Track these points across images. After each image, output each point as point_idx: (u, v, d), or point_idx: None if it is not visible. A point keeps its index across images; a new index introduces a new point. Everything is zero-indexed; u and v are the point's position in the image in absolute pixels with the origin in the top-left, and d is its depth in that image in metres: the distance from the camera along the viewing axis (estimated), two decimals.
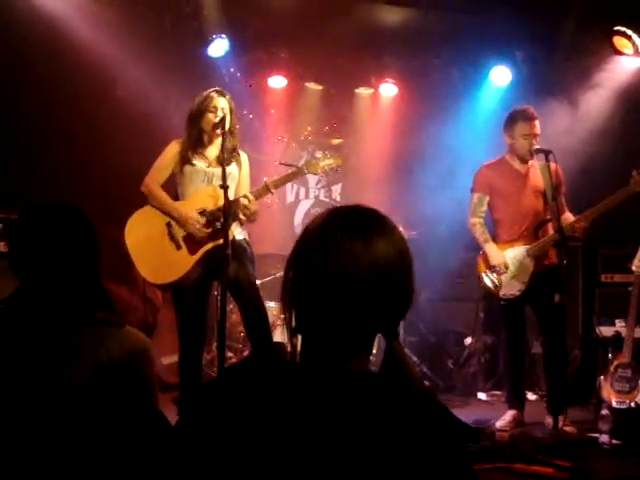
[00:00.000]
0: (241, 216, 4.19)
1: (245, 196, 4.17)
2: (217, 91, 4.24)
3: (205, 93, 4.23)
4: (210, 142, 4.26)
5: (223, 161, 4.00)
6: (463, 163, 5.39)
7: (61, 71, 5.80)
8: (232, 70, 6.53)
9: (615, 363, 4.76)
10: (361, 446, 1.12)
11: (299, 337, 1.29)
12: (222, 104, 4.19)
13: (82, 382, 1.69)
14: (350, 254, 1.24)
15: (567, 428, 4.37)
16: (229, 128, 4.21)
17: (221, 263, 3.85)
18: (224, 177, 3.92)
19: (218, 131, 4.11)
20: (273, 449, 1.13)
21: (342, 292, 1.23)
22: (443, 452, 1.14)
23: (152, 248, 4.17)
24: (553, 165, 4.60)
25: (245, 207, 4.15)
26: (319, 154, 4.56)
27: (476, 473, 1.18)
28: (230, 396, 1.21)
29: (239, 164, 4.35)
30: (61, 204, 1.87)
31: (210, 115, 4.18)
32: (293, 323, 1.29)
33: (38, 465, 1.63)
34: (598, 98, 6.66)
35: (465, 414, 4.87)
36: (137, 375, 1.78)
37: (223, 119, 4.10)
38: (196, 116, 4.24)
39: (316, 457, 1.12)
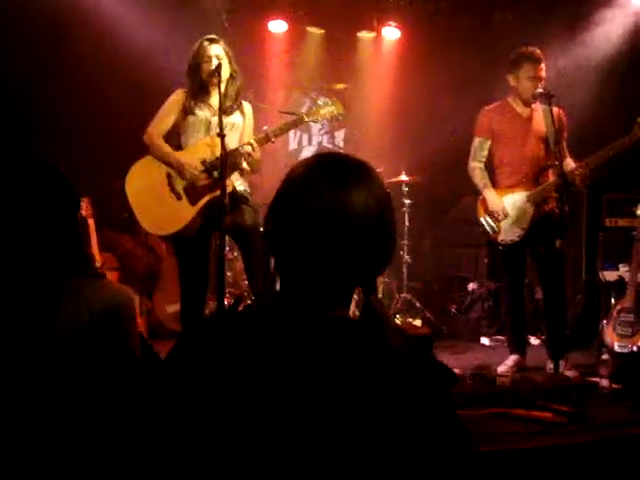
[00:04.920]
0: (244, 165, 4.16)
1: (249, 143, 4.14)
2: (209, 39, 4.18)
3: (198, 43, 4.19)
4: (212, 90, 4.21)
5: (221, 109, 3.96)
6: (467, 108, 5.31)
7: (59, 23, 5.78)
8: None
9: (618, 307, 4.77)
10: (343, 392, 1.13)
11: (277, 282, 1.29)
12: (215, 51, 4.14)
13: (62, 334, 1.70)
14: (328, 204, 1.23)
15: (568, 372, 4.40)
16: (230, 73, 4.18)
17: (220, 213, 3.84)
18: (221, 125, 3.89)
19: (215, 80, 4.06)
20: (254, 395, 1.15)
21: (318, 243, 1.22)
22: (423, 397, 1.15)
23: (153, 199, 4.16)
24: (556, 110, 4.54)
25: (249, 155, 4.12)
26: (321, 101, 4.50)
27: (461, 417, 1.19)
28: (213, 343, 1.22)
29: (243, 113, 4.32)
30: (34, 160, 1.87)
31: (205, 65, 4.14)
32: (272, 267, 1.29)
33: (15, 421, 1.66)
34: (605, 36, 6.54)
35: (467, 359, 4.91)
36: (117, 325, 1.79)
37: (219, 66, 4.04)
38: (193, 68, 4.20)
39: (298, 402, 1.13)
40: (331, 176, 1.26)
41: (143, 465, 1.20)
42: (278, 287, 1.29)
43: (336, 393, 1.13)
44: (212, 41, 4.18)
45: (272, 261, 1.30)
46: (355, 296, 1.26)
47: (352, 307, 1.26)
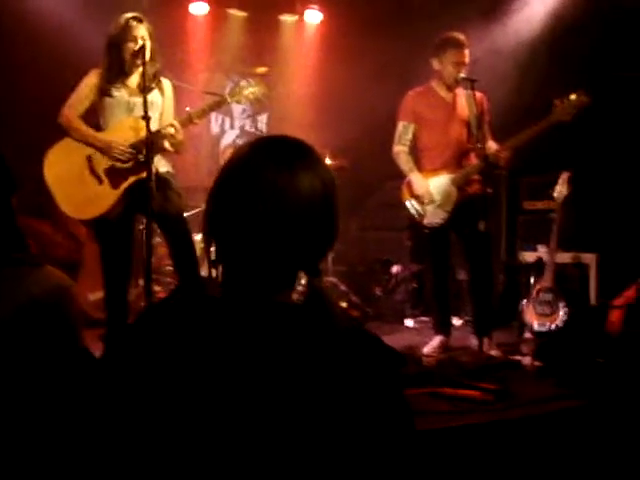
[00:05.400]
0: (167, 146, 4.08)
1: (172, 124, 4.05)
2: (135, 18, 4.04)
3: (122, 21, 4.02)
4: (131, 71, 4.11)
5: (144, 91, 3.87)
6: (390, 91, 5.33)
7: None
8: None
9: (537, 287, 4.91)
10: (293, 377, 1.12)
11: (219, 269, 1.27)
12: (141, 32, 4.01)
13: (4, 324, 1.64)
14: (273, 187, 1.21)
15: (492, 351, 4.50)
16: (150, 56, 4.08)
17: (145, 196, 3.76)
18: (145, 108, 3.80)
19: (138, 61, 3.96)
20: (200, 384, 1.12)
21: (264, 227, 1.20)
22: (374, 379, 1.15)
23: (73, 183, 4.04)
24: (478, 94, 4.61)
25: (171, 136, 4.05)
26: (244, 82, 4.43)
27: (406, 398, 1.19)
28: (156, 332, 1.19)
29: (162, 91, 4.21)
30: None
31: (129, 44, 4.00)
32: (213, 255, 1.27)
33: None
34: (526, 21, 6.67)
35: (393, 341, 4.95)
36: (58, 313, 1.74)
37: (143, 47, 3.94)
38: (115, 46, 4.05)
39: (246, 391, 1.12)
40: (275, 159, 1.24)
41: (93, 456, 1.17)
42: (217, 273, 1.26)
43: (287, 378, 1.12)
44: (138, 20, 4.04)
45: (211, 248, 1.27)
46: (301, 280, 1.24)
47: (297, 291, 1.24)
